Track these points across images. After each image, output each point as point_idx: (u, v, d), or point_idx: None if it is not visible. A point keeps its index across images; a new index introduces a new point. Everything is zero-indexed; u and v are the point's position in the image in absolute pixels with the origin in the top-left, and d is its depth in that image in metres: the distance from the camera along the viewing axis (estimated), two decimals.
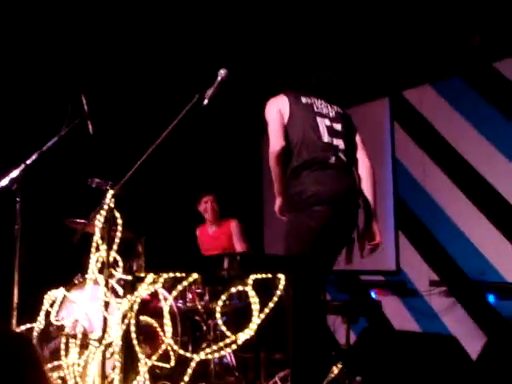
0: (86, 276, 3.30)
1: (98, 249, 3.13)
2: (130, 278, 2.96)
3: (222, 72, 3.24)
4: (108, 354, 3.11)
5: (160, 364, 3.25)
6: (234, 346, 2.87)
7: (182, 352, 2.96)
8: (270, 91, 3.55)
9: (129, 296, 2.97)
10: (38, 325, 3.61)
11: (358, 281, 5.88)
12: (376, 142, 5.89)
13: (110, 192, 3.12)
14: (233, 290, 2.86)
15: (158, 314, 3.44)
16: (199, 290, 4.14)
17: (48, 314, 3.67)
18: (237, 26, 5.25)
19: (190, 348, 3.90)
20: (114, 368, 3.10)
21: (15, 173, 3.93)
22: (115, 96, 5.65)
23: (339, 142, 3.33)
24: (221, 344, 2.91)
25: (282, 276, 2.81)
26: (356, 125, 3.64)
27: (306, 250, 3.00)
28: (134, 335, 2.91)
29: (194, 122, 3.21)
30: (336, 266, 3.28)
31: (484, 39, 4.91)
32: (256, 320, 2.77)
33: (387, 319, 5.54)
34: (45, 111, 5.19)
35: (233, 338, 2.84)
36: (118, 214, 3.11)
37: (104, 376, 3.10)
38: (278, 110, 3.34)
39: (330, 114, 3.40)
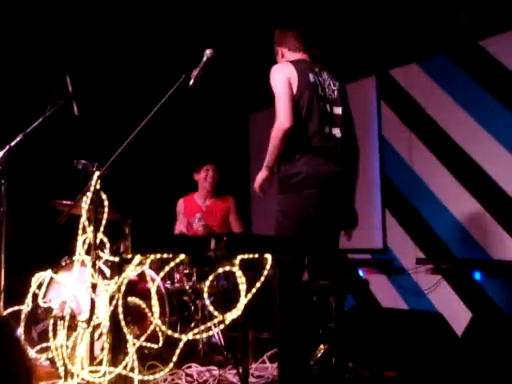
0: (73, 258, 3.30)
1: (84, 230, 3.12)
2: (116, 259, 2.95)
3: (208, 52, 3.22)
4: (96, 336, 3.12)
5: (148, 344, 3.27)
6: (221, 326, 2.88)
7: (170, 332, 2.97)
8: (258, 69, 3.56)
9: (116, 277, 2.96)
10: (26, 307, 3.61)
11: (345, 259, 5.91)
12: (363, 121, 5.86)
13: (96, 174, 3.11)
14: (220, 270, 2.87)
15: (145, 295, 3.44)
16: (187, 271, 4.15)
17: (35, 296, 3.67)
18: (220, 3, 5.21)
19: (178, 328, 3.92)
20: (102, 349, 3.11)
21: None
22: (100, 76, 5.60)
23: (337, 131, 3.38)
24: (209, 324, 2.93)
25: (268, 256, 2.82)
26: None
27: (298, 230, 3.04)
28: (121, 316, 2.91)
29: (181, 102, 3.18)
30: None
31: (470, 17, 4.90)
32: (243, 300, 2.78)
33: (374, 297, 5.59)
34: (29, 92, 5.13)
35: (220, 317, 2.85)
36: (104, 196, 3.10)
37: (92, 357, 3.11)
38: (287, 80, 3.29)
39: (332, 96, 3.41)
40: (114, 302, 2.97)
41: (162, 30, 5.56)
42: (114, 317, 2.98)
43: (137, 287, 3.85)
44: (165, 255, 2.87)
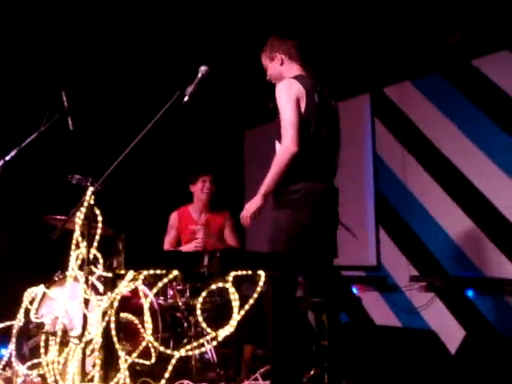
0: (66, 273, 3.29)
1: (78, 246, 3.11)
2: (110, 275, 2.94)
3: (203, 69, 3.24)
4: (88, 352, 3.10)
5: (141, 361, 3.25)
6: (214, 343, 2.87)
7: (162, 349, 2.96)
8: (253, 85, 3.57)
9: (109, 293, 2.95)
10: (18, 322, 3.59)
11: (339, 276, 5.90)
12: (357, 138, 5.92)
13: (90, 189, 3.10)
14: (213, 286, 2.86)
15: (138, 311, 3.43)
16: (180, 287, 4.13)
17: (27, 311, 3.65)
18: (216, 21, 5.24)
19: (171, 344, 3.90)
20: (94, 365, 3.09)
21: None
22: (96, 92, 5.61)
23: (332, 150, 3.38)
24: (201, 340, 2.92)
25: (262, 273, 2.82)
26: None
27: (294, 246, 3.04)
28: (114, 332, 2.90)
29: (176, 118, 3.19)
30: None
31: (463, 37, 4.95)
32: (236, 316, 2.78)
33: (368, 314, 5.58)
34: (24, 107, 5.14)
35: (213, 334, 2.84)
36: (98, 211, 3.09)
37: (84, 373, 3.09)
38: (296, 100, 3.22)
39: (331, 115, 3.41)
40: (106, 318, 2.95)
41: (157, 47, 5.59)
42: (106, 333, 2.97)
43: (129, 303, 3.84)
44: (158, 271, 2.87)
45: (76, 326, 3.38)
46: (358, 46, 5.56)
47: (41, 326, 3.57)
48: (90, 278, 3.07)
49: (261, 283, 2.81)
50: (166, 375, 2.91)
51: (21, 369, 3.55)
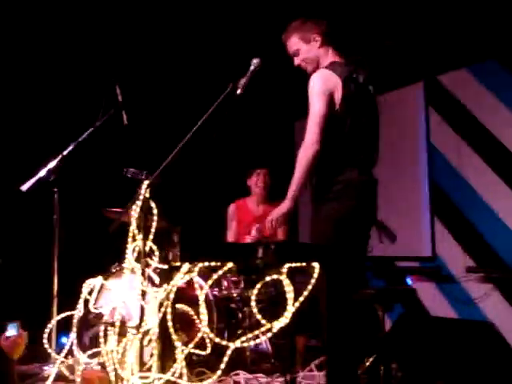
0: (123, 265, 3.36)
1: (134, 238, 3.17)
2: (165, 267, 2.99)
3: (255, 61, 3.25)
4: (145, 342, 3.17)
5: (196, 351, 3.30)
6: (269, 334, 2.89)
7: (217, 340, 2.99)
8: (302, 75, 3.50)
9: (165, 285, 3.01)
10: (77, 312, 3.68)
11: (393, 267, 5.84)
12: (411, 127, 5.84)
13: (146, 182, 3.16)
14: (267, 278, 2.88)
15: (193, 302, 3.48)
16: (234, 278, 4.17)
17: (86, 302, 3.74)
18: (267, 13, 5.23)
19: (225, 335, 3.95)
20: (151, 355, 3.16)
21: (52, 164, 4.02)
22: (150, 86, 5.68)
23: (369, 141, 3.27)
24: (256, 332, 2.94)
25: (316, 265, 2.82)
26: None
27: (342, 238, 2.99)
28: (170, 323, 2.95)
29: (229, 110, 3.21)
30: (373, 252, 3.28)
31: None
32: (291, 308, 2.79)
33: (423, 306, 5.51)
34: (80, 102, 5.25)
35: (268, 325, 2.86)
36: (153, 204, 3.14)
37: (142, 363, 3.16)
38: (329, 95, 3.07)
39: (368, 105, 3.29)
40: (162, 309, 3.01)
41: (209, 40, 5.61)
42: (162, 323, 3.02)
43: (185, 294, 3.89)
44: (213, 263, 2.90)
45: (133, 316, 3.45)
46: (411, 33, 5.46)
47: (100, 316, 3.67)
48: (146, 269, 3.14)
49: (315, 275, 2.81)
50: (222, 366, 2.95)
51: (82, 357, 3.65)
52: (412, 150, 5.80)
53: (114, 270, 4.03)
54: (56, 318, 3.88)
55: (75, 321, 3.68)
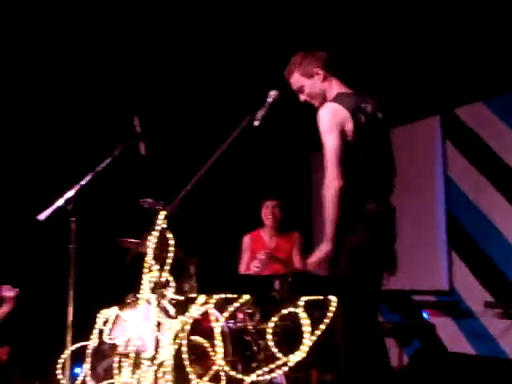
0: (138, 295, 3.35)
1: (150, 269, 3.16)
2: (181, 298, 2.98)
3: (273, 93, 3.26)
4: (160, 374, 3.14)
5: None
6: (285, 368, 2.86)
7: (233, 373, 2.96)
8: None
9: (180, 316, 2.99)
10: (92, 343, 3.66)
11: (409, 301, 5.78)
12: (427, 160, 5.83)
13: (163, 212, 3.16)
14: (284, 311, 2.85)
15: (208, 334, 3.45)
16: (250, 310, 4.13)
17: (101, 332, 3.72)
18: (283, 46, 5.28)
19: (239, 368, 3.89)
20: None
21: (70, 193, 4.03)
22: (168, 117, 5.73)
23: (387, 168, 3.25)
24: (272, 365, 2.90)
25: (333, 298, 2.79)
26: None
27: (355, 270, 2.95)
28: (185, 355, 2.92)
29: (246, 142, 3.22)
30: (387, 285, 3.23)
31: None
32: (307, 342, 2.76)
33: (440, 340, 5.42)
34: (98, 132, 5.30)
35: (284, 359, 2.83)
36: (170, 235, 3.14)
37: None
38: (340, 128, 3.04)
39: (380, 133, 3.27)
40: (177, 341, 2.99)
41: (227, 73, 5.67)
42: (177, 355, 3.00)
43: (199, 326, 3.86)
44: (229, 295, 2.88)
45: (148, 348, 3.42)
46: (428, 66, 5.48)
47: (114, 347, 3.64)
48: (161, 301, 3.13)
49: (332, 308, 2.79)
50: None
51: None
52: (429, 183, 5.79)
53: (129, 301, 4.00)
54: (70, 348, 3.86)
55: (89, 351, 3.65)
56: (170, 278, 3.11)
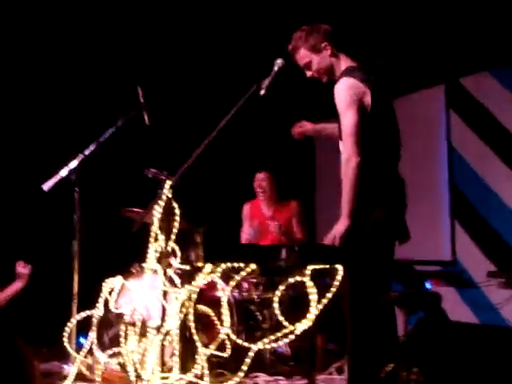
0: (143, 265, 3.36)
1: (156, 239, 3.16)
2: (188, 268, 2.99)
3: (279, 62, 3.24)
4: (166, 343, 3.17)
5: (217, 353, 3.28)
6: (291, 337, 2.88)
7: (240, 342, 2.98)
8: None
9: (187, 285, 3.00)
10: (97, 312, 3.67)
11: (412, 271, 5.79)
12: (431, 131, 5.79)
13: (168, 183, 3.15)
14: (290, 280, 2.86)
15: (213, 303, 3.47)
16: (254, 280, 4.15)
17: (107, 301, 3.74)
18: (289, 14, 5.23)
19: (243, 337, 3.92)
20: (172, 356, 3.15)
21: (74, 163, 4.02)
22: (172, 87, 5.69)
23: (397, 136, 3.25)
24: (279, 334, 2.92)
25: (340, 267, 2.80)
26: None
27: (375, 241, 2.96)
28: (192, 324, 2.94)
29: (250, 110, 3.20)
30: None
31: None
32: (314, 311, 2.77)
33: (443, 311, 5.45)
34: (102, 102, 5.27)
35: (291, 328, 2.84)
36: (175, 205, 3.14)
37: (162, 363, 3.16)
38: (358, 101, 3.01)
39: (389, 103, 3.29)
40: (184, 310, 3.00)
41: (232, 41, 5.62)
42: (183, 324, 3.02)
43: (205, 295, 3.88)
44: (236, 264, 2.89)
45: (154, 317, 3.44)
46: (432, 35, 5.42)
47: (120, 316, 3.66)
48: (167, 270, 3.13)
49: (339, 277, 2.79)
50: (244, 368, 2.94)
51: (101, 357, 3.64)
52: (432, 153, 5.76)
53: (134, 270, 4.02)
54: (76, 317, 3.88)
55: (95, 320, 3.68)
56: (176, 248, 3.11)
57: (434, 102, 5.79)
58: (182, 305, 3.03)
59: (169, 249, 3.11)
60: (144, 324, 3.36)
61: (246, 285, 4.20)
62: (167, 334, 3.13)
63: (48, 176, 3.99)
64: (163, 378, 3.07)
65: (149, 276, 3.37)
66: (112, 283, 3.74)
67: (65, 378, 3.56)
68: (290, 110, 6.61)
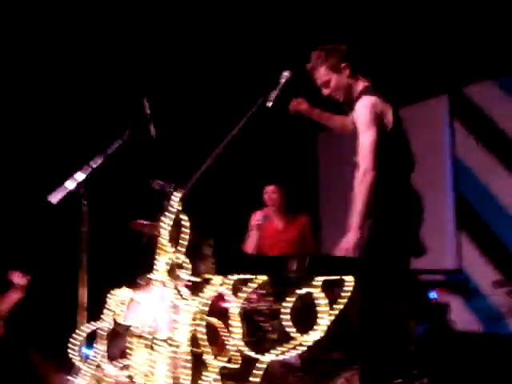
0: (152, 277, 3.35)
1: (165, 251, 3.17)
2: (197, 279, 2.99)
3: (286, 74, 3.26)
4: (176, 355, 3.16)
5: (227, 365, 3.28)
6: (302, 348, 2.88)
7: (251, 354, 2.98)
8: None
9: (197, 297, 3.00)
10: (104, 324, 3.67)
11: (418, 280, 5.79)
12: (435, 141, 5.81)
13: (178, 194, 3.16)
14: (302, 291, 2.87)
15: (221, 315, 3.46)
16: (263, 291, 4.14)
17: (114, 313, 3.73)
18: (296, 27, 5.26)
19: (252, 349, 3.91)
20: (181, 368, 3.14)
21: (82, 176, 4.02)
22: (179, 99, 5.71)
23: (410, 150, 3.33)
24: (289, 345, 2.92)
25: (350, 278, 2.81)
26: None
27: (387, 253, 2.99)
28: (203, 336, 2.94)
29: (260, 123, 3.22)
30: None
31: None
32: (325, 322, 2.77)
33: (448, 320, 5.44)
34: (108, 115, 5.29)
35: (301, 339, 2.84)
36: (185, 217, 3.14)
37: (172, 376, 3.15)
38: (379, 121, 3.11)
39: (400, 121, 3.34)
40: (194, 322, 3.00)
41: (238, 54, 5.64)
42: (194, 337, 3.02)
43: (212, 307, 3.88)
44: (246, 276, 2.89)
45: (162, 329, 3.44)
46: (435, 44, 5.45)
47: (128, 328, 3.66)
48: (176, 282, 3.13)
49: (349, 288, 2.80)
50: (257, 380, 2.93)
51: (110, 369, 3.62)
52: (437, 163, 5.78)
53: (141, 282, 4.01)
54: (82, 329, 3.87)
55: (102, 333, 3.67)
56: (186, 260, 3.11)
57: (438, 111, 5.82)
58: (192, 317, 3.02)
59: (178, 261, 3.11)
60: (153, 336, 3.36)
61: (253, 296, 4.19)
62: (177, 346, 3.12)
63: (55, 187, 4.00)
64: None
65: (157, 288, 3.37)
66: (118, 294, 3.74)
67: None
68: (294, 124, 6.64)
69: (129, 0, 5.08)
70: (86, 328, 3.76)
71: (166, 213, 3.18)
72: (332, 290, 2.99)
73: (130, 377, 3.57)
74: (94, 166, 4.01)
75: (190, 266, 3.11)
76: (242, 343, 3.03)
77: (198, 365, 3.10)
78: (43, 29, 5.12)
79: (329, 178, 6.77)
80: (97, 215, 4.12)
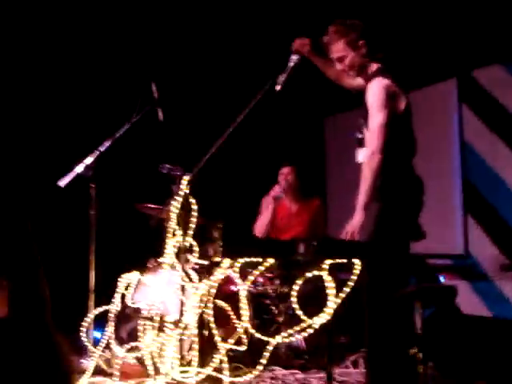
0: (160, 260, 3.38)
1: (173, 234, 3.19)
2: (206, 262, 3.02)
3: (294, 58, 3.25)
4: (184, 337, 3.19)
5: (234, 347, 3.31)
6: (309, 330, 2.90)
7: (259, 336, 3.01)
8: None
9: (205, 280, 3.03)
10: (114, 307, 3.70)
11: (425, 264, 5.80)
12: (443, 125, 5.78)
13: (186, 178, 3.18)
14: (308, 274, 2.89)
15: (228, 298, 3.49)
16: (270, 274, 4.17)
17: (123, 296, 3.76)
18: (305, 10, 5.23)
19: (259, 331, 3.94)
20: (189, 350, 3.18)
21: (90, 160, 4.05)
22: (186, 82, 5.70)
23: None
24: (297, 328, 2.95)
25: (357, 261, 2.82)
26: None
27: (392, 235, 3.00)
28: (211, 319, 2.97)
29: (268, 106, 3.22)
30: None
31: None
32: (332, 305, 2.79)
33: (455, 304, 5.46)
34: (116, 99, 5.29)
35: (309, 322, 2.87)
36: (193, 201, 3.16)
37: (181, 357, 3.19)
38: (391, 103, 3.08)
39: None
40: (202, 305, 3.03)
41: (245, 37, 5.62)
42: (202, 319, 3.05)
43: (220, 289, 3.91)
44: (254, 259, 2.91)
45: (171, 311, 3.47)
46: (443, 28, 5.41)
47: (137, 310, 3.69)
48: (185, 265, 3.16)
49: (356, 271, 2.82)
50: (263, 361, 2.96)
51: (119, 351, 3.67)
52: (445, 147, 5.75)
53: (150, 266, 4.05)
54: (93, 312, 3.91)
55: (112, 315, 3.70)
56: (194, 243, 3.14)
57: (447, 95, 5.78)
58: (201, 299, 3.05)
59: (187, 244, 3.13)
60: (161, 319, 3.39)
61: (261, 279, 4.22)
62: (185, 328, 3.16)
63: (64, 172, 4.02)
64: (182, 372, 3.10)
65: (166, 271, 3.40)
66: (128, 278, 3.77)
67: (83, 372, 3.59)
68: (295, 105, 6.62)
69: None
70: (96, 311, 3.81)
71: (175, 196, 3.21)
72: (340, 274, 3.01)
73: (138, 358, 3.61)
74: (102, 149, 4.04)
75: (197, 249, 3.13)
76: (249, 325, 3.03)
77: (206, 347, 3.13)
78: (50, 13, 5.12)
79: (336, 163, 6.76)
80: (105, 199, 4.15)
